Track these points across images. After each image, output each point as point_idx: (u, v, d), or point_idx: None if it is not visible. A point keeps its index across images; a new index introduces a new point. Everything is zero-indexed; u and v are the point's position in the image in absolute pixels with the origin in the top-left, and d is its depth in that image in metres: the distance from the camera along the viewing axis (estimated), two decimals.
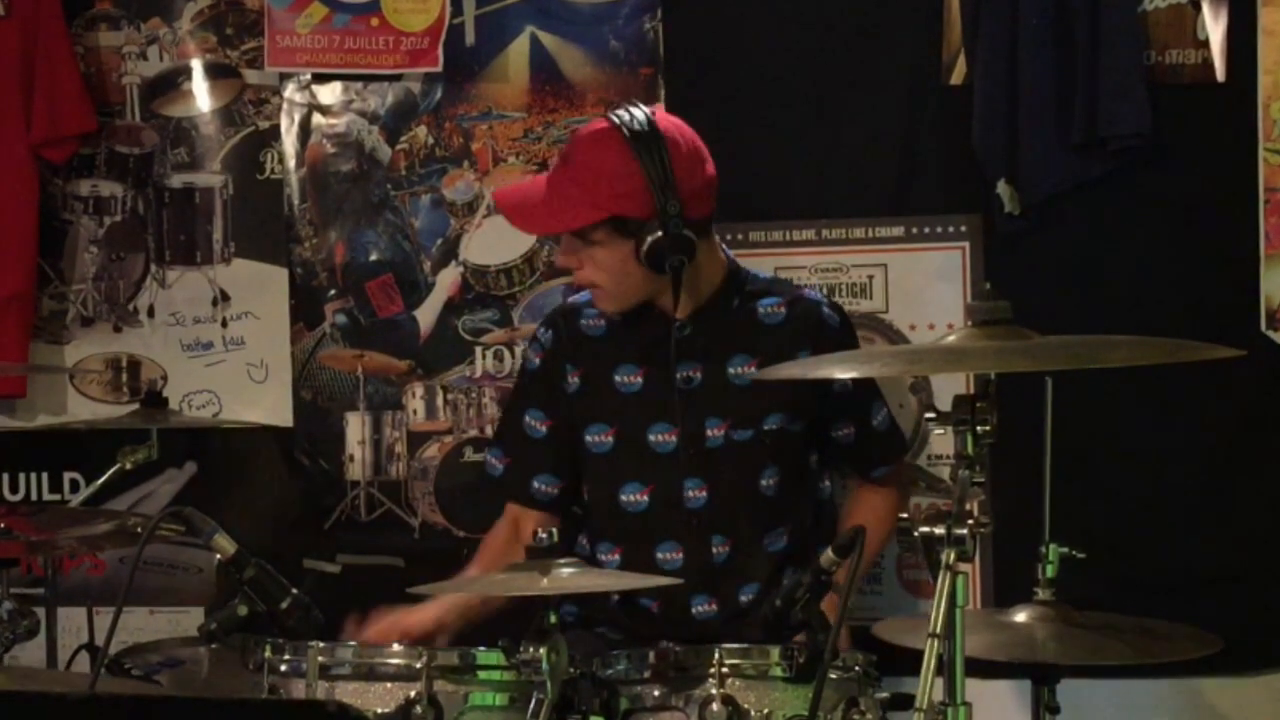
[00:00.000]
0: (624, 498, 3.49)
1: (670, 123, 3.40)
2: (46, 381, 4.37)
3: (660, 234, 3.32)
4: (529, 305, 4.22)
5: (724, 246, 3.56)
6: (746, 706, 2.83)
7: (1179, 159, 3.92)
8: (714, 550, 3.47)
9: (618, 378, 3.50)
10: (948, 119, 4.03)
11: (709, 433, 3.46)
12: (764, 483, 3.47)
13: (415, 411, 4.27)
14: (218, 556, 2.92)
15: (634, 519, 3.50)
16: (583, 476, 3.57)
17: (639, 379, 3.50)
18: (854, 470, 3.68)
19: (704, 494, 3.46)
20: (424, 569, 3.75)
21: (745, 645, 2.90)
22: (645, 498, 3.48)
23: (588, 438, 3.52)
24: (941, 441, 3.96)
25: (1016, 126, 3.92)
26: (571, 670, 2.77)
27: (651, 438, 3.49)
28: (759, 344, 3.47)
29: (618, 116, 3.37)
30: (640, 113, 3.37)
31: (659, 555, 3.48)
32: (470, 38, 4.21)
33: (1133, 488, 3.97)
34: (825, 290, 4.00)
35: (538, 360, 3.61)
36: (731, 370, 3.47)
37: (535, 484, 3.58)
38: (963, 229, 4.04)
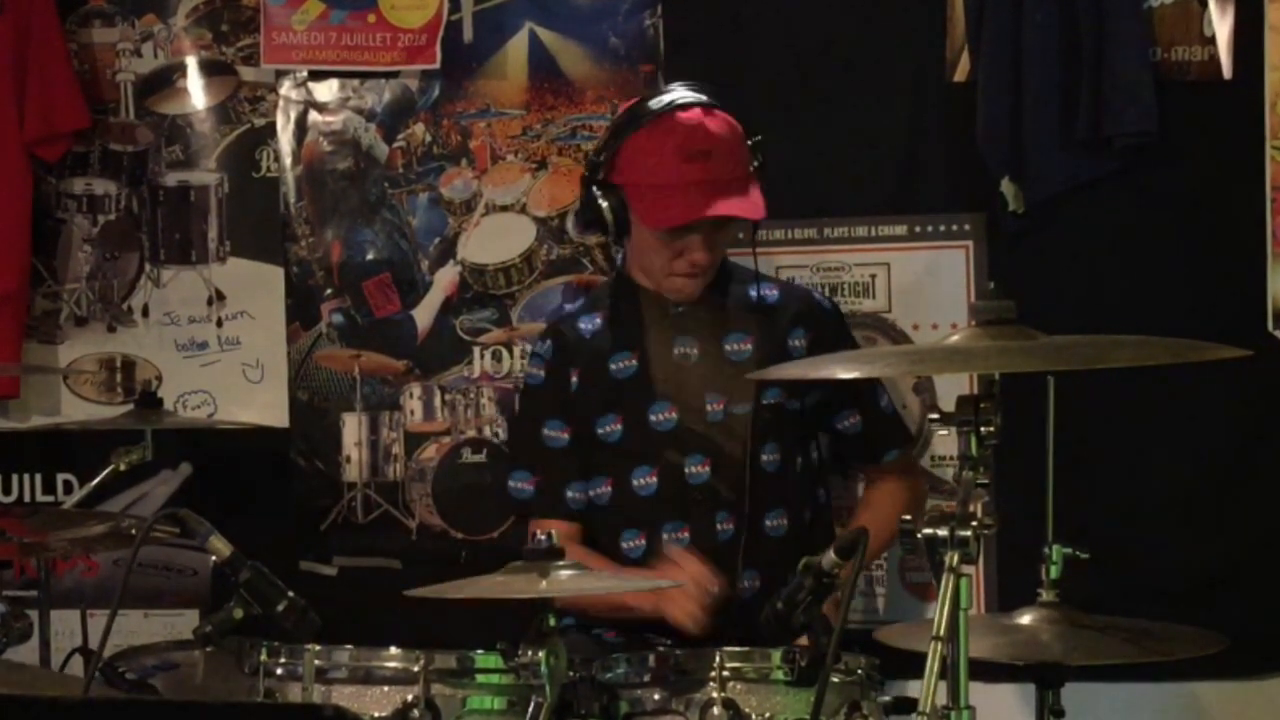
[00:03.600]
0: (635, 482, 3.50)
1: None
2: (40, 382, 4.35)
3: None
4: (528, 305, 4.19)
5: None
6: (748, 710, 2.82)
7: (1185, 157, 3.89)
8: (718, 528, 3.47)
9: (613, 366, 3.53)
10: (951, 117, 3.99)
11: (708, 408, 3.48)
12: (765, 458, 3.48)
13: (413, 412, 4.25)
14: (213, 559, 2.91)
15: (645, 503, 3.50)
16: (600, 472, 3.56)
17: (634, 362, 3.53)
18: (864, 460, 3.69)
19: (706, 469, 3.47)
20: (421, 571, 3.73)
21: (746, 649, 2.88)
22: (654, 480, 3.49)
23: (599, 431, 3.53)
24: (945, 442, 3.93)
25: (1021, 124, 3.89)
26: (571, 674, 2.75)
27: (653, 418, 3.50)
28: (753, 322, 3.50)
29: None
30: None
31: (664, 536, 3.49)
32: (468, 34, 4.19)
33: (1137, 488, 3.94)
34: (827, 289, 3.98)
35: (542, 373, 3.64)
36: (728, 347, 3.51)
37: (569, 494, 3.58)
38: (967, 228, 4.01)
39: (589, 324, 3.63)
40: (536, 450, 3.62)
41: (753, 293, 3.58)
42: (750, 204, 3.47)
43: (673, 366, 3.53)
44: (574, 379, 3.58)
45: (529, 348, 4.00)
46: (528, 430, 3.67)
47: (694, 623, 3.28)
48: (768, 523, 3.50)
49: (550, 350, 3.64)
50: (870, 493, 3.74)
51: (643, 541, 3.54)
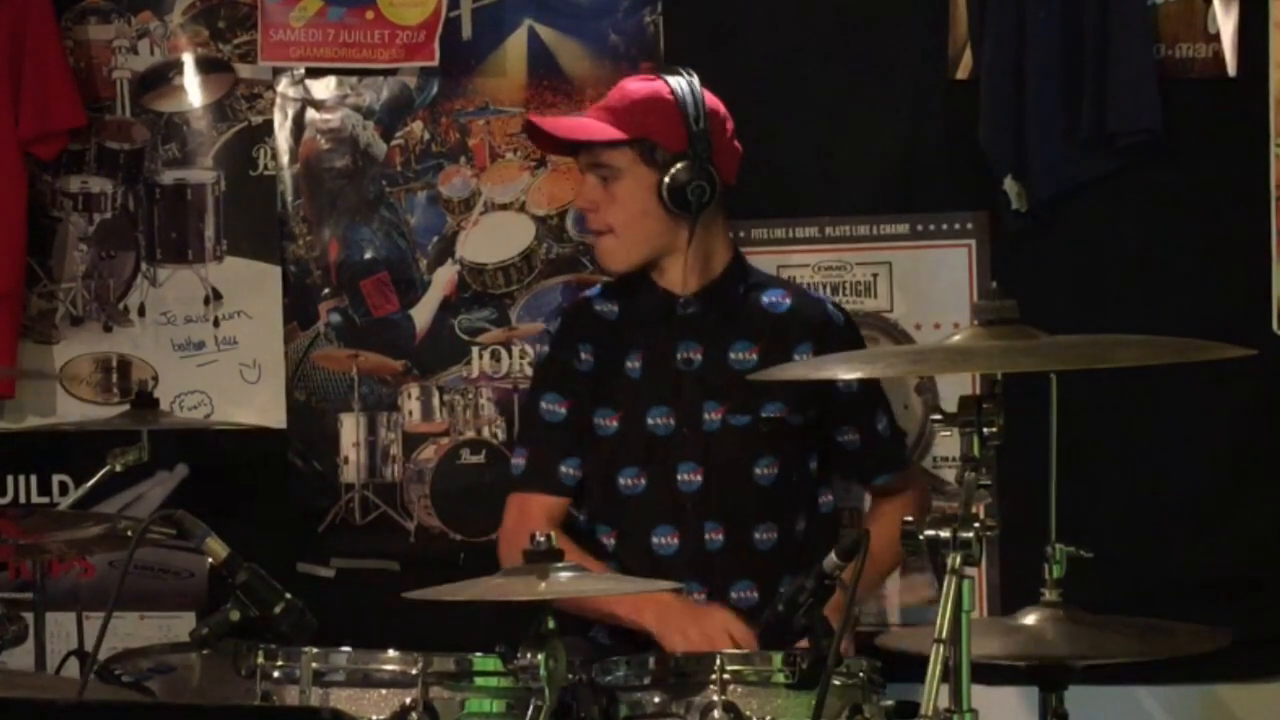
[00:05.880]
0: (622, 482, 3.50)
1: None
2: (35, 382, 4.33)
3: (687, 164, 3.41)
4: (527, 304, 4.18)
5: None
6: (748, 713, 2.81)
7: (1188, 155, 3.88)
8: (707, 537, 3.45)
9: (627, 363, 3.50)
10: (954, 114, 3.97)
11: (706, 416, 3.45)
12: (760, 471, 3.45)
13: (411, 413, 4.23)
14: (209, 560, 2.89)
15: (631, 502, 3.48)
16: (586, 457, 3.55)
17: (638, 363, 3.50)
18: (856, 478, 3.67)
19: (698, 478, 3.44)
20: (420, 573, 3.72)
21: (747, 651, 2.87)
22: (642, 481, 3.46)
23: (596, 420, 3.51)
24: (947, 443, 3.91)
25: (1024, 122, 3.87)
26: (570, 676, 2.73)
27: (650, 421, 3.48)
28: (762, 331, 3.47)
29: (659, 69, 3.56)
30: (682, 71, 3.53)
31: (655, 540, 3.45)
32: (467, 31, 4.17)
33: (1141, 488, 3.92)
34: (828, 289, 3.96)
35: (548, 348, 3.64)
36: (733, 355, 3.49)
37: (562, 469, 3.55)
38: (969, 226, 3.99)
39: (604, 307, 3.60)
40: (533, 423, 3.60)
41: (765, 299, 3.54)
42: (577, 125, 3.52)
43: (673, 370, 3.50)
44: (587, 357, 3.55)
45: (528, 348, 4.06)
46: (527, 405, 3.67)
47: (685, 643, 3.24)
48: (757, 535, 3.47)
49: (559, 326, 3.65)
50: (870, 514, 3.71)
51: (613, 540, 3.51)
